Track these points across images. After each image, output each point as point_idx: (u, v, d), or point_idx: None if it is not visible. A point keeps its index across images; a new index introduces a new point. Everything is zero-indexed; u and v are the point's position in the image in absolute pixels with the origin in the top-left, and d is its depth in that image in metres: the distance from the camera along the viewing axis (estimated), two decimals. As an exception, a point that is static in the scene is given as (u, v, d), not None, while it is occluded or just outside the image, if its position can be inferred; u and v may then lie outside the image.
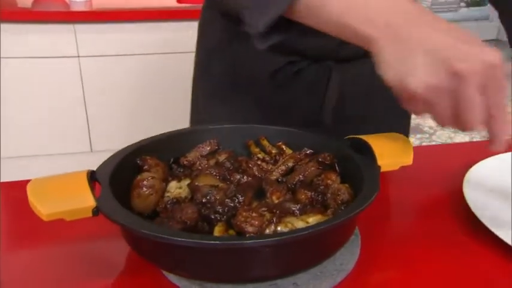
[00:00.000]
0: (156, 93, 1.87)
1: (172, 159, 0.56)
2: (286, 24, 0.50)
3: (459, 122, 0.41)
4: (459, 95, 0.39)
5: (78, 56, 1.74)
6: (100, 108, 1.84)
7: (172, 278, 0.43)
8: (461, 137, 2.76)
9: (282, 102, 0.75)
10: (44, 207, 0.39)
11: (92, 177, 0.45)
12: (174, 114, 1.91)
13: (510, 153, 0.63)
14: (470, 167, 0.60)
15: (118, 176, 0.48)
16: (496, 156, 0.63)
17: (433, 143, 2.73)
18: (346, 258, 0.45)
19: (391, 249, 0.48)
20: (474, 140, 2.54)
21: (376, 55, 0.43)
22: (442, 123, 0.43)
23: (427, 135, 2.82)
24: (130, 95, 1.85)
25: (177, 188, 0.51)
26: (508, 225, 0.49)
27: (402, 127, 0.85)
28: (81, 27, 1.70)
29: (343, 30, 0.46)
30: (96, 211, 0.41)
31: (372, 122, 0.76)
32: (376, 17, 0.43)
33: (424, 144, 2.73)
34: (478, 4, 4.36)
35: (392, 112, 0.80)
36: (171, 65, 1.82)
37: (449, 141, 2.74)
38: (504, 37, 0.72)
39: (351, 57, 0.71)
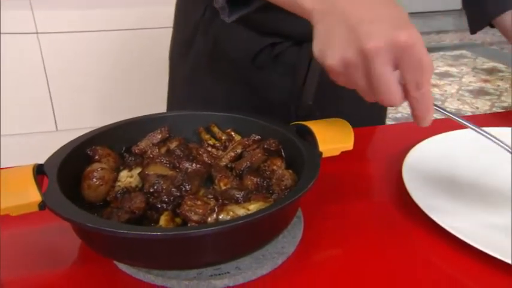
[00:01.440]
0: (121, 70, 1.84)
1: (124, 148, 0.57)
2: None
3: (379, 98, 0.42)
4: (368, 71, 0.40)
5: (37, 33, 1.69)
6: (63, 87, 1.80)
7: (121, 266, 0.45)
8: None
9: (262, 84, 0.75)
10: (-12, 204, 0.40)
11: (39, 170, 0.46)
12: (139, 91, 1.89)
13: (445, 134, 0.67)
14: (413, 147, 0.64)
15: (68, 167, 0.48)
16: (434, 137, 0.66)
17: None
18: (288, 241, 0.47)
19: (332, 230, 0.51)
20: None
21: (313, 28, 0.44)
22: (364, 97, 0.43)
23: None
24: (94, 73, 1.81)
25: (127, 177, 0.52)
26: (440, 207, 0.52)
27: (380, 107, 0.87)
28: (37, 2, 1.64)
29: (288, 3, 0.48)
30: (42, 205, 0.42)
31: (350, 102, 0.78)
32: None
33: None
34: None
35: None
36: (136, 41, 1.78)
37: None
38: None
39: None
